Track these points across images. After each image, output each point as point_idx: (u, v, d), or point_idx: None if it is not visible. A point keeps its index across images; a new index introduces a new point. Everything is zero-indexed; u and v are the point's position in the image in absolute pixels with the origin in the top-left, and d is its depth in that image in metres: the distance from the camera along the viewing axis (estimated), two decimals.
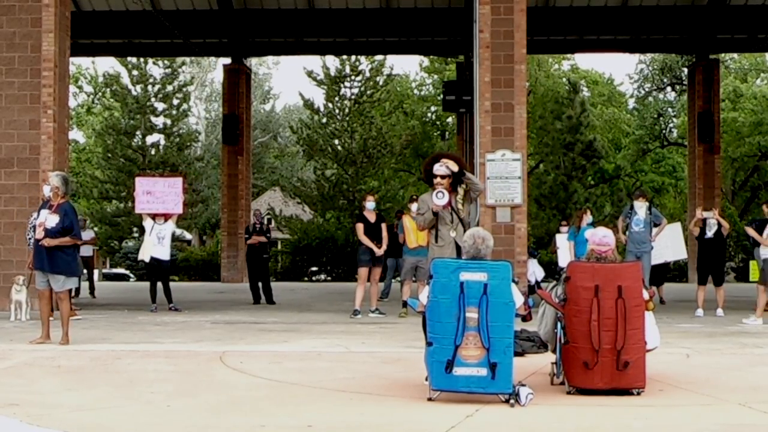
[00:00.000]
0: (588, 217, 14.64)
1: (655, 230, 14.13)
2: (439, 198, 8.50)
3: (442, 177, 8.44)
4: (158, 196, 14.95)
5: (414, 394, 6.33)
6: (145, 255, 14.94)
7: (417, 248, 13.60)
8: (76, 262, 9.93)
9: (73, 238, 9.62)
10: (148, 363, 8.06)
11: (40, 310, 9.87)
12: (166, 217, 14.97)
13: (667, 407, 6.02)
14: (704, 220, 13.91)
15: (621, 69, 67.46)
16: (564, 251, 15.20)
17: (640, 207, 14.04)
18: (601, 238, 6.71)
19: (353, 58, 35.98)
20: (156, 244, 14.81)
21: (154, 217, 14.95)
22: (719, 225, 13.68)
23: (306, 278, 32.89)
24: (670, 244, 15.39)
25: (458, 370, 5.99)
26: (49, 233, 9.43)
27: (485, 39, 15.08)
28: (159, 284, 15.02)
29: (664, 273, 16.71)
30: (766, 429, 5.43)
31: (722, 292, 14.00)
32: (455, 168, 8.43)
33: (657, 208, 17.50)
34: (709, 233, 13.83)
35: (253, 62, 36.55)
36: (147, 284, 15.73)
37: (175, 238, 15.87)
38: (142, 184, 15.37)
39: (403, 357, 8.42)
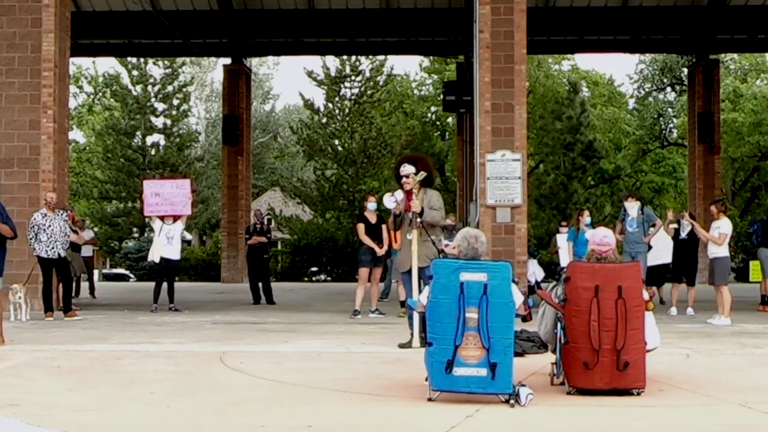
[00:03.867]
0: (586, 218, 14.66)
1: (651, 230, 14.19)
2: (389, 200, 9.05)
3: (407, 176, 9.12)
4: (166, 197, 14.98)
5: (414, 395, 6.33)
6: (155, 255, 14.96)
7: None
8: (2, 263, 9.89)
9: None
10: (148, 363, 8.05)
11: None
12: (175, 217, 15.02)
13: (667, 407, 6.02)
14: (678, 221, 14.11)
15: (621, 69, 67.73)
16: (565, 251, 15.22)
17: (632, 207, 14.12)
18: (601, 238, 6.71)
19: (353, 58, 36.01)
20: (165, 245, 14.86)
21: (162, 218, 14.98)
22: (692, 226, 13.81)
23: (306, 278, 32.89)
24: (668, 246, 15.41)
25: (458, 371, 5.99)
26: None
27: (485, 39, 15.08)
28: (162, 285, 15.05)
29: (663, 274, 16.74)
30: (766, 429, 5.42)
31: (693, 292, 14.19)
32: (412, 170, 9.07)
33: (649, 207, 17.58)
34: (683, 234, 14.00)
35: (253, 62, 36.57)
36: (147, 284, 15.75)
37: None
38: (149, 186, 15.37)
39: (403, 357, 8.43)
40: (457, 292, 6.05)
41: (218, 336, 10.56)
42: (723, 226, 12.61)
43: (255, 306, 16.16)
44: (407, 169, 9.18)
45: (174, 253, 15.04)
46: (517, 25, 15.02)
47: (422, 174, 9.20)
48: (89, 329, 11.45)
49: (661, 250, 14.99)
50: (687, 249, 14.13)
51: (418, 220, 9.00)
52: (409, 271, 9.19)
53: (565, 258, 14.71)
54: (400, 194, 9.23)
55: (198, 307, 15.75)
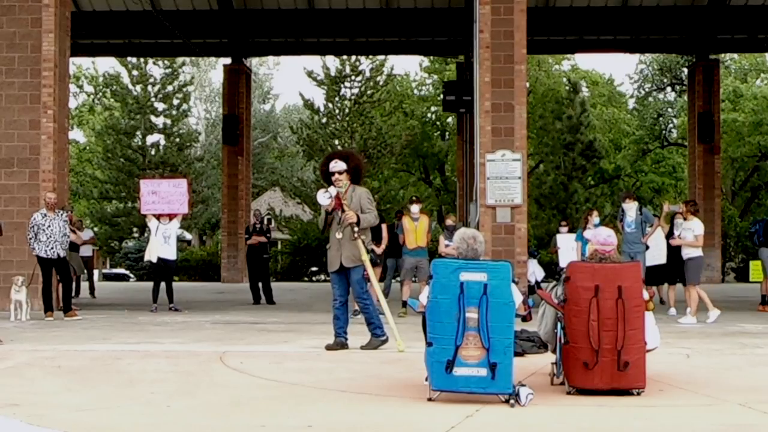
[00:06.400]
0: (595, 218, 14.67)
1: (648, 230, 14.20)
2: (323, 196, 8.66)
3: (339, 173, 8.69)
4: (163, 196, 15.00)
5: (414, 394, 6.32)
6: (152, 255, 14.97)
7: (416, 249, 13.69)
8: None
9: None
10: (148, 363, 8.05)
11: None
12: (171, 216, 15.03)
13: (667, 407, 6.02)
14: (672, 222, 14.07)
15: (621, 69, 67.71)
16: (565, 251, 15.22)
17: (630, 208, 14.13)
18: (605, 238, 6.70)
19: (353, 58, 35.98)
20: (162, 244, 14.86)
21: (158, 217, 14.97)
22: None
23: (306, 278, 32.88)
24: (662, 247, 15.42)
25: (458, 371, 5.99)
26: None
27: (485, 39, 15.08)
28: (161, 284, 15.05)
29: (663, 274, 16.75)
30: (766, 429, 5.42)
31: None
32: (344, 166, 8.69)
33: (648, 208, 17.59)
34: (677, 233, 13.95)
35: (253, 62, 36.54)
36: (147, 284, 15.75)
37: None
38: (146, 185, 15.42)
39: (403, 357, 8.43)
40: (457, 292, 6.05)
41: (218, 336, 10.56)
42: (697, 228, 12.62)
43: (255, 306, 16.16)
44: (339, 165, 8.75)
45: (170, 253, 15.04)
46: (517, 25, 15.02)
47: (334, 189, 8.72)
48: (89, 329, 11.44)
49: (661, 251, 15.00)
50: (679, 249, 14.07)
51: (356, 229, 8.62)
52: (336, 271, 8.97)
53: (565, 258, 14.73)
54: (334, 190, 8.76)
55: (198, 307, 15.75)
